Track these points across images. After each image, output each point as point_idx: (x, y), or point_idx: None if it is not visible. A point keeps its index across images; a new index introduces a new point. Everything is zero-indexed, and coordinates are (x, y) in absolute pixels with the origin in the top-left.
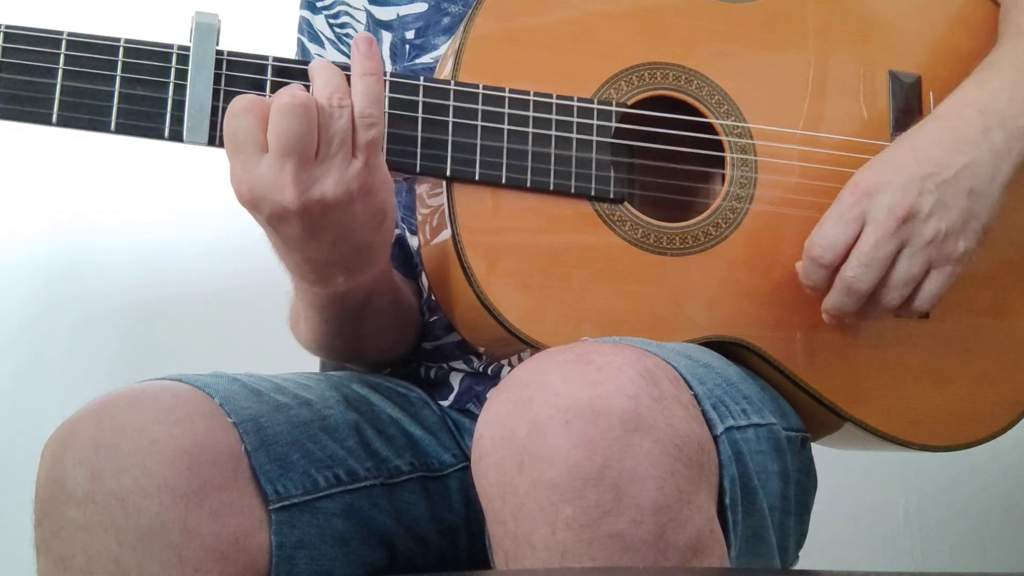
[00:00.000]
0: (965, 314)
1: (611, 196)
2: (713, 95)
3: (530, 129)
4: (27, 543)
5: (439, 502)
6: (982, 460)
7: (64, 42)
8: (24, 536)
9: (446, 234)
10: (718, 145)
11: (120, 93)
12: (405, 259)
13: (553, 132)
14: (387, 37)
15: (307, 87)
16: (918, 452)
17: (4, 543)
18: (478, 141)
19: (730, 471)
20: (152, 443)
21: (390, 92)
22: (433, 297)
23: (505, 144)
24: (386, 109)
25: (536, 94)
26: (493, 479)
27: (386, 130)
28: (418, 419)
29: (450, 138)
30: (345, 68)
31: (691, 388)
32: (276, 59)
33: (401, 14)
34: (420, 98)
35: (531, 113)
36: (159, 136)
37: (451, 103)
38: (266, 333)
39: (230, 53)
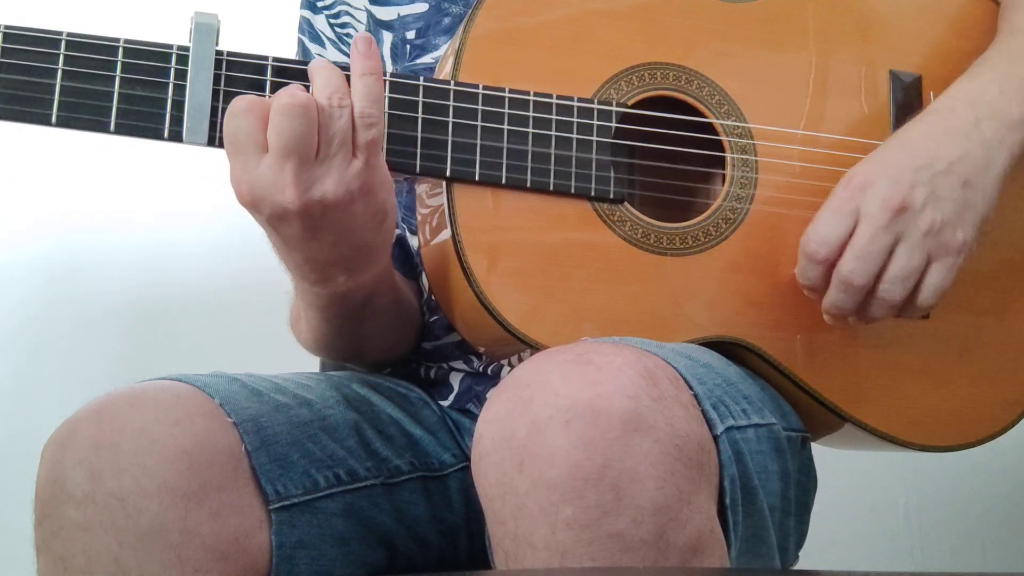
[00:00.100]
0: (965, 314)
1: (611, 196)
2: (713, 95)
3: (530, 129)
4: (27, 543)
5: (439, 502)
6: (982, 460)
7: (63, 42)
8: (24, 536)
9: (446, 234)
10: (718, 145)
11: (119, 93)
12: (405, 259)
13: (553, 132)
14: (388, 37)
15: (307, 87)
16: (918, 452)
17: (4, 543)
18: (478, 141)
19: (730, 471)
20: (152, 443)
21: (390, 92)
22: (433, 297)
23: (505, 144)
24: (386, 109)
25: (536, 94)
26: (493, 479)
27: (386, 130)
28: (418, 419)
29: (450, 138)
30: (346, 68)
31: (691, 388)
32: (276, 59)
33: (402, 14)
34: (420, 98)
35: (531, 113)
36: (158, 136)
37: (451, 103)
38: (266, 333)
39: (230, 53)
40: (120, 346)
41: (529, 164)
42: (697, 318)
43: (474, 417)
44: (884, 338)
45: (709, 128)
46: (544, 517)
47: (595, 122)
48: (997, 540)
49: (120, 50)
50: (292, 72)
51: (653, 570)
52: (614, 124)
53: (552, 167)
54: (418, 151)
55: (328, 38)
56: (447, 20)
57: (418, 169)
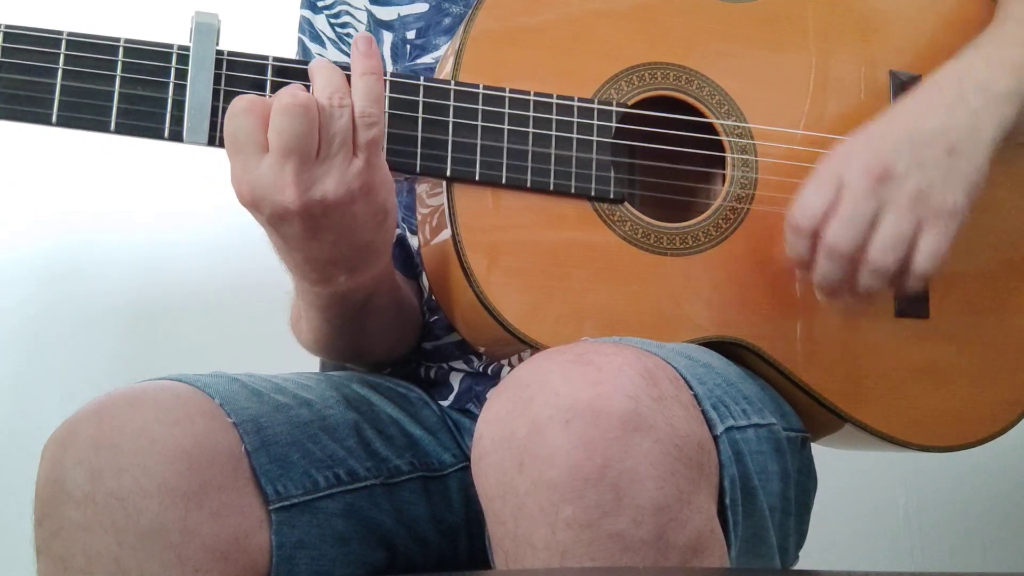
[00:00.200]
0: (965, 314)
1: (611, 196)
2: (713, 95)
3: (530, 129)
4: (27, 544)
5: (439, 502)
6: (982, 460)
7: (64, 42)
8: (24, 537)
9: (446, 234)
10: (718, 145)
11: (120, 93)
12: (406, 259)
13: (553, 132)
14: (388, 37)
15: (307, 87)
16: (918, 452)
17: (4, 543)
18: (478, 141)
19: (730, 471)
20: (152, 443)
21: (390, 92)
22: (433, 297)
23: (505, 144)
24: (386, 109)
25: (536, 94)
26: (493, 479)
27: (386, 130)
28: (418, 419)
29: (450, 138)
30: (346, 68)
31: (691, 388)
32: (276, 59)
33: (402, 14)
34: (420, 98)
35: (531, 113)
36: (159, 136)
37: (451, 103)
38: (266, 333)
39: (230, 53)
40: (120, 346)
41: (529, 164)
42: (697, 318)
43: (474, 417)
44: (884, 338)
45: (709, 128)
46: (544, 517)
47: (595, 122)
48: (997, 540)
49: (120, 50)
50: (292, 72)
51: (653, 570)
52: (614, 124)
53: (552, 167)
54: (418, 151)
55: (328, 38)
56: (447, 20)
57: (418, 169)
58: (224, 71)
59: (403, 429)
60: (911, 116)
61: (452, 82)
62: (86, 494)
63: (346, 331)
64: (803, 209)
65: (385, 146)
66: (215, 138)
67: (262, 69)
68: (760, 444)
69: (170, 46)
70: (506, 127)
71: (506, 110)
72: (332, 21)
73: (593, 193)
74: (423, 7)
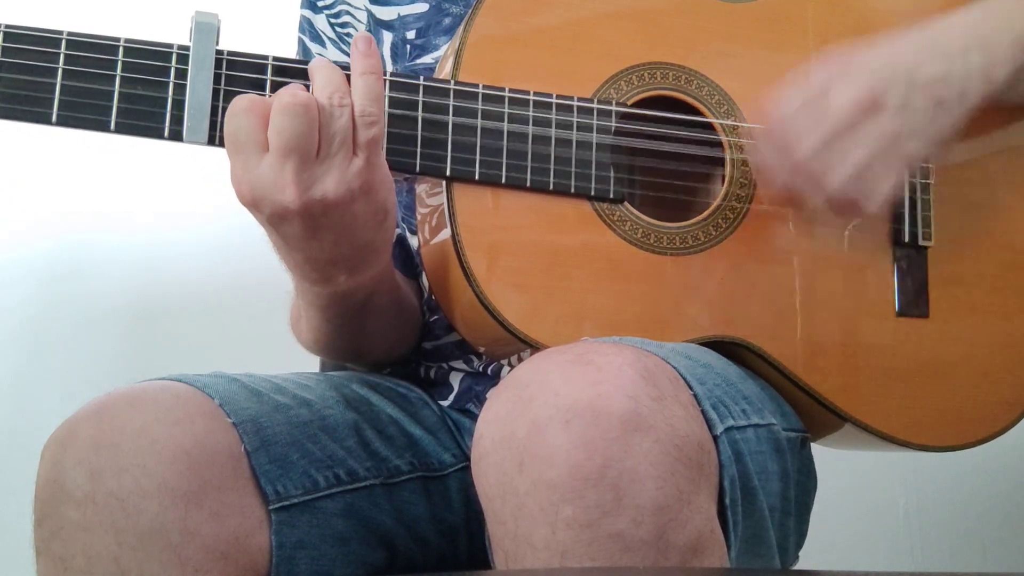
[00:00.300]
0: (965, 314)
1: (611, 196)
2: (713, 95)
3: (530, 129)
4: (27, 544)
5: (439, 502)
6: (982, 460)
7: (64, 42)
8: (24, 537)
9: (446, 233)
10: (718, 145)
11: (120, 93)
12: (406, 259)
13: (553, 132)
14: (388, 37)
15: (307, 86)
16: (918, 452)
17: (4, 543)
18: (478, 141)
19: (730, 471)
20: (152, 443)
21: (390, 92)
22: (433, 297)
23: (505, 144)
24: (386, 108)
25: (536, 94)
26: (493, 479)
27: (386, 129)
28: (418, 419)
29: (450, 138)
30: (346, 67)
31: (691, 388)
32: (276, 59)
33: (402, 14)
34: (420, 98)
35: (531, 113)
36: (159, 136)
37: (451, 103)
38: (266, 333)
39: (230, 53)
40: (120, 346)
41: (529, 164)
42: (697, 318)
43: (474, 417)
44: (884, 338)
45: (709, 128)
46: (544, 517)
47: (595, 122)
48: (997, 540)
49: (120, 49)
50: (292, 71)
51: (653, 570)
52: (614, 124)
53: (552, 167)
54: (418, 150)
55: (328, 37)
56: (447, 20)
57: (418, 168)
58: (224, 71)
59: (403, 429)
60: (917, 54)
61: (452, 82)
62: (86, 494)
63: (346, 331)
64: (786, 123)
65: (385, 145)
66: (215, 138)
67: (262, 69)
68: (760, 444)
69: (170, 46)
70: (506, 127)
71: (506, 110)
72: (332, 21)
73: (593, 193)
74: (423, 7)
